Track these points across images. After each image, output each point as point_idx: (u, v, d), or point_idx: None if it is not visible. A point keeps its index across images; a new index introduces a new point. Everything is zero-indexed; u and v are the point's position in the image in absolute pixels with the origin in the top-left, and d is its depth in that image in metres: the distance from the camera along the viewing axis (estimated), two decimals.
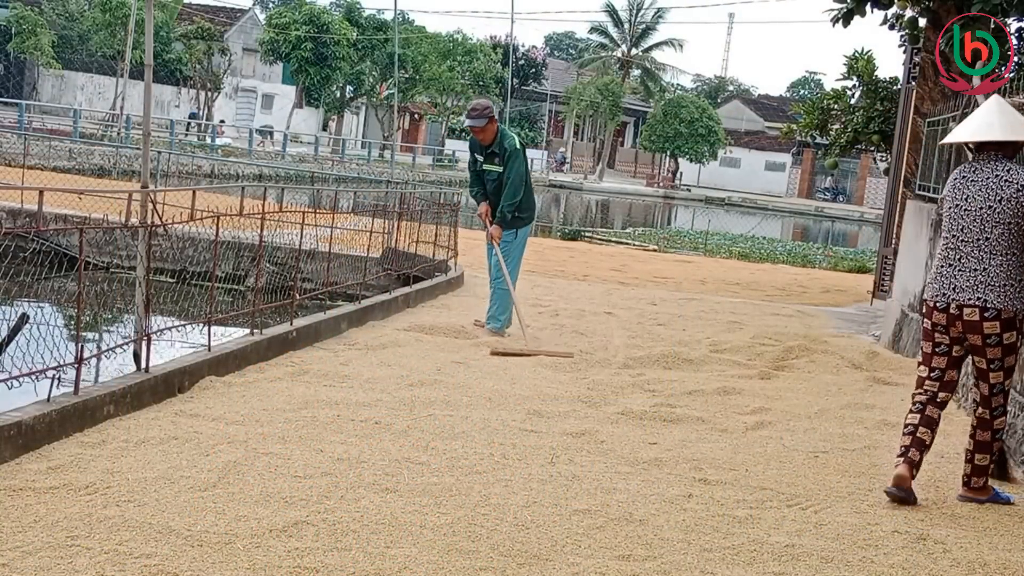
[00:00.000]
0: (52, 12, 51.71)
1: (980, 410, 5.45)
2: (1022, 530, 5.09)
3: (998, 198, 5.28)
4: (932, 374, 5.49)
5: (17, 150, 28.36)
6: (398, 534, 4.30)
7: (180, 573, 3.77)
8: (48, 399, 5.29)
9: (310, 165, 41.39)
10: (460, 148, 59.21)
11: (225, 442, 5.32)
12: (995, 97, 5.72)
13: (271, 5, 79.02)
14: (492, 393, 6.99)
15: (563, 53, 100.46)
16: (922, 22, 12.82)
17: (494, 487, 5.01)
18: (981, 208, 5.32)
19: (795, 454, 6.13)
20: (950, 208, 5.46)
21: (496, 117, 9.62)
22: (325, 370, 7.28)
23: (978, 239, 5.32)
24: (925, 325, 5.55)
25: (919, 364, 5.60)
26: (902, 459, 5.37)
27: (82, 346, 5.62)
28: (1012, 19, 12.15)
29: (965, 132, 5.57)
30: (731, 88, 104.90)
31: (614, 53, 74.01)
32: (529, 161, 10.74)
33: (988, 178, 5.33)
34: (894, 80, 15.58)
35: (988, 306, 5.27)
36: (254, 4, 73.51)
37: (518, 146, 9.51)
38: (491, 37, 65.68)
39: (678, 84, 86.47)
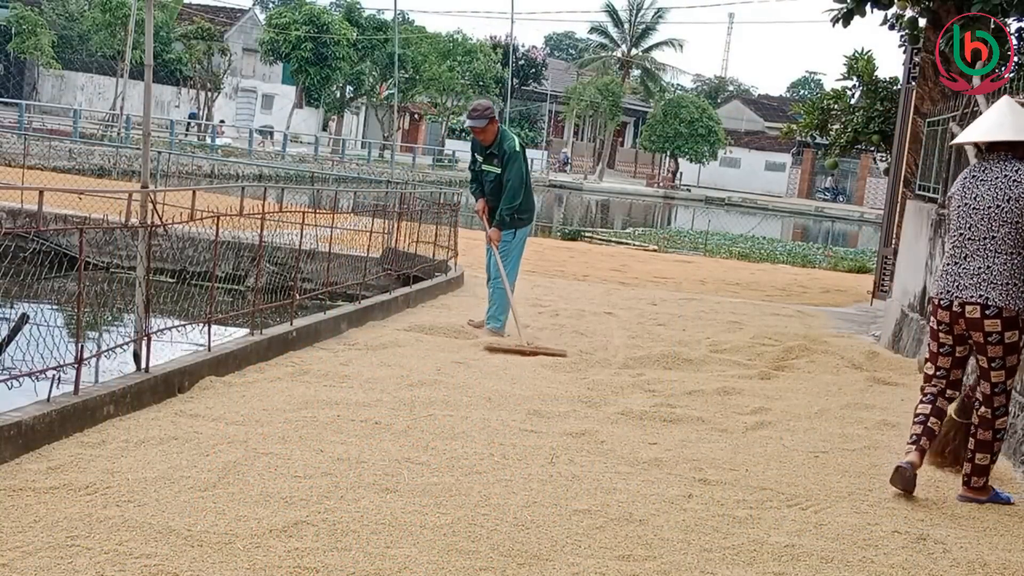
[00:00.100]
0: (52, 12, 51.71)
1: (982, 409, 5.47)
2: (1022, 530, 5.09)
3: (1006, 197, 5.32)
4: (938, 372, 5.63)
5: (17, 150, 28.36)
6: (398, 534, 4.30)
7: (180, 573, 3.77)
8: (48, 399, 5.29)
9: (310, 165, 41.39)
10: (460, 148, 59.24)
11: (225, 442, 5.33)
12: (1006, 98, 5.77)
13: (271, 5, 79.03)
14: (492, 393, 6.99)
15: (563, 53, 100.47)
16: (922, 22, 12.82)
17: (494, 487, 5.01)
18: (989, 207, 5.36)
19: (795, 454, 6.13)
20: (959, 206, 5.51)
21: (497, 118, 9.62)
22: (325, 370, 7.28)
23: (985, 237, 5.37)
24: (931, 324, 5.65)
25: (926, 360, 5.73)
26: (914, 446, 5.52)
27: (82, 346, 5.62)
28: (1012, 19, 12.15)
29: (976, 132, 5.61)
30: (731, 88, 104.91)
31: (614, 53, 74.04)
32: (529, 162, 10.74)
33: (997, 178, 5.38)
34: (894, 80, 15.58)
35: (990, 304, 5.31)
36: (254, 4, 73.54)
37: (517, 148, 9.50)
38: (491, 37, 65.69)
39: (678, 84, 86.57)
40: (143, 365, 6.19)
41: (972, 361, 5.72)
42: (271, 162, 41.64)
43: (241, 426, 5.67)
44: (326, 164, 44.00)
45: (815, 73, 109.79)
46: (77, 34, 52.07)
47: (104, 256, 12.10)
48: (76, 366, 5.56)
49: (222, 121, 52.65)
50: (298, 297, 8.63)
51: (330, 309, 9.22)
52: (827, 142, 17.08)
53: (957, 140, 5.98)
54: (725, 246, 26.52)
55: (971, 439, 5.52)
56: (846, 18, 12.87)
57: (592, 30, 75.82)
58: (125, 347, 6.32)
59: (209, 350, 6.91)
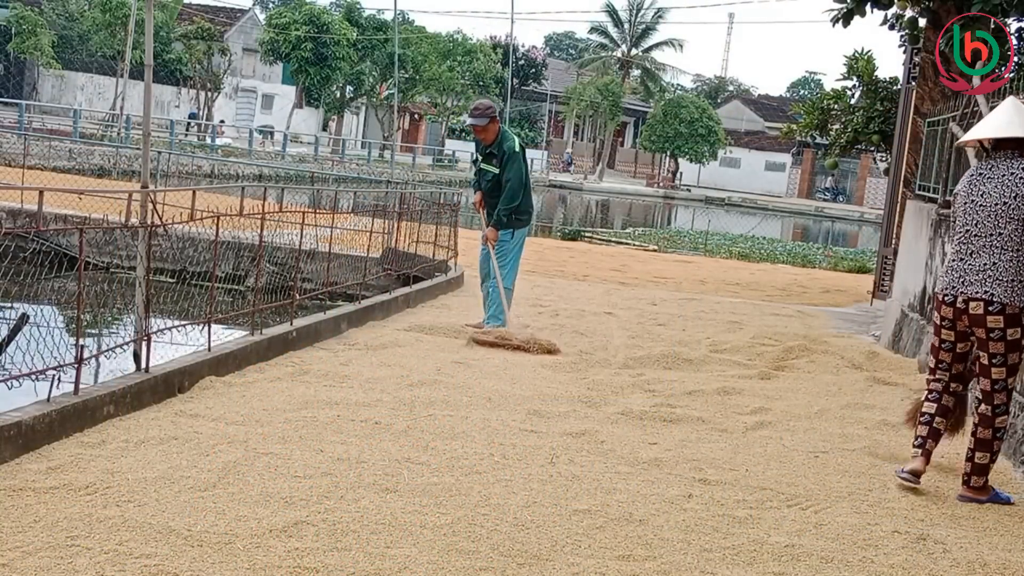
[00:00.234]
0: (52, 12, 51.71)
1: (982, 407, 5.49)
2: (1022, 530, 5.09)
3: (1013, 195, 5.37)
4: (940, 365, 5.72)
5: (17, 150, 28.36)
6: (398, 534, 4.30)
7: (180, 573, 3.77)
8: (48, 399, 5.29)
9: (310, 165, 41.38)
10: (460, 148, 59.25)
11: (225, 442, 5.33)
12: (1011, 98, 5.83)
13: (271, 5, 79.04)
14: (492, 393, 6.99)
15: (563, 53, 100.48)
16: (922, 22, 12.83)
17: (494, 487, 5.01)
18: (996, 204, 5.41)
19: (795, 454, 6.14)
20: (965, 203, 5.55)
21: (498, 118, 9.64)
22: (325, 370, 7.28)
23: (991, 234, 5.41)
24: (935, 319, 5.71)
25: (928, 354, 5.81)
26: (920, 451, 5.60)
27: (82, 346, 5.62)
28: (1012, 19, 12.16)
29: (983, 130, 5.65)
30: (731, 88, 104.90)
31: (614, 53, 74.05)
32: (529, 162, 10.74)
33: (1004, 175, 5.42)
34: (894, 80, 15.58)
35: (994, 300, 5.36)
36: (254, 4, 73.53)
37: (517, 149, 9.50)
38: (491, 37, 65.71)
39: (678, 84, 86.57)
40: (143, 365, 6.19)
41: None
42: (271, 162, 41.64)
43: (241, 426, 5.67)
44: (326, 164, 43.99)
45: (815, 73, 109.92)
46: (77, 34, 52.07)
47: (104, 256, 12.10)
48: (76, 366, 5.56)
49: (222, 121, 52.65)
50: (298, 297, 8.63)
51: (330, 309, 9.22)
52: (827, 142, 17.08)
53: (965, 138, 6.00)
54: (725, 246, 26.51)
55: (971, 437, 5.54)
56: (846, 18, 12.88)
57: (592, 30, 75.87)
58: (125, 347, 6.32)
59: (209, 350, 6.91)
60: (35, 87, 52.34)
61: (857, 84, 16.06)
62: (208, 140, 45.86)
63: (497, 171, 9.50)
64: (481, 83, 57.57)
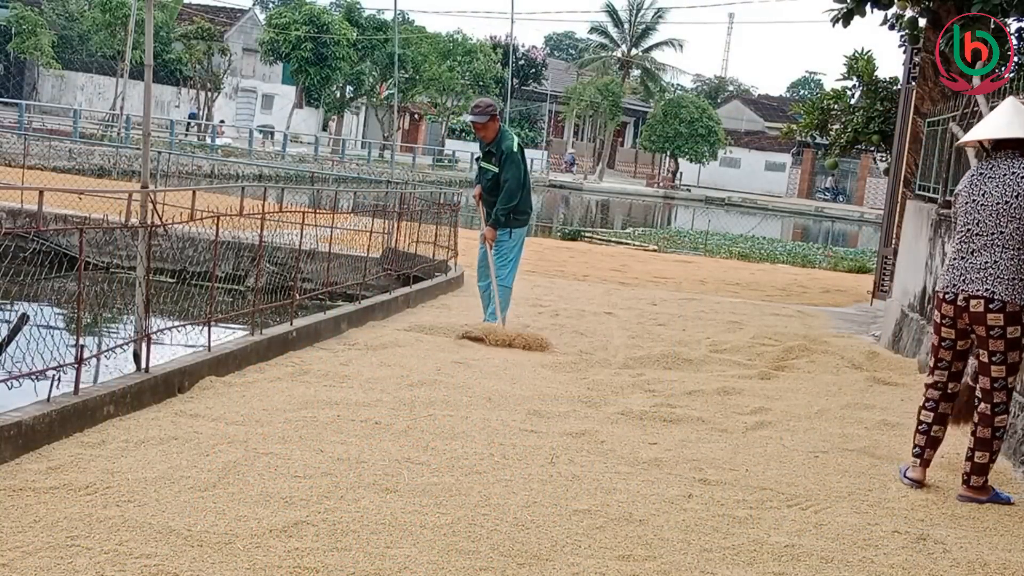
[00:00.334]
0: (52, 12, 51.71)
1: (982, 405, 5.51)
2: (1022, 530, 5.09)
3: (1014, 193, 5.40)
4: (939, 364, 5.74)
5: (17, 150, 28.36)
6: (398, 534, 4.30)
7: (180, 573, 3.77)
8: (48, 399, 5.29)
9: (310, 165, 41.38)
10: (460, 148, 59.28)
11: (225, 442, 5.33)
12: (1011, 99, 5.86)
13: (271, 5, 79.04)
14: (492, 393, 6.99)
15: (563, 53, 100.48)
16: (922, 22, 12.83)
17: (494, 487, 5.01)
18: (997, 203, 5.44)
19: (795, 454, 6.14)
20: (966, 203, 5.58)
21: (498, 116, 9.65)
22: (325, 370, 7.28)
23: (992, 233, 5.45)
24: (935, 317, 5.74)
25: (928, 354, 5.79)
26: (918, 460, 5.69)
27: (82, 346, 5.62)
28: (1012, 19, 12.16)
29: (983, 131, 5.69)
30: (731, 88, 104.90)
31: (614, 53, 74.03)
32: (529, 162, 10.75)
33: (1005, 175, 5.46)
34: (894, 80, 15.58)
35: (994, 298, 5.39)
36: (254, 4, 73.55)
37: (515, 149, 9.51)
38: (491, 37, 65.70)
39: (678, 84, 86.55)
40: (143, 365, 6.19)
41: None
42: (271, 162, 41.64)
43: (241, 426, 5.67)
44: (326, 164, 43.99)
45: (815, 73, 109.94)
46: (77, 34, 52.07)
47: (104, 256, 12.10)
48: (76, 366, 5.56)
49: (222, 121, 52.64)
50: (298, 297, 8.63)
51: (330, 309, 9.22)
52: (827, 142, 17.08)
53: (965, 138, 6.03)
54: (725, 246, 26.50)
55: (971, 436, 5.55)
56: (846, 18, 12.87)
57: (592, 30, 75.85)
58: (125, 347, 6.32)
59: (209, 350, 6.91)
60: (35, 87, 52.35)
61: (857, 84, 16.06)
62: (208, 140, 45.86)
63: (496, 170, 9.51)
64: (481, 83, 57.56)
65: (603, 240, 26.45)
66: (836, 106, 16.49)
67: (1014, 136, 5.46)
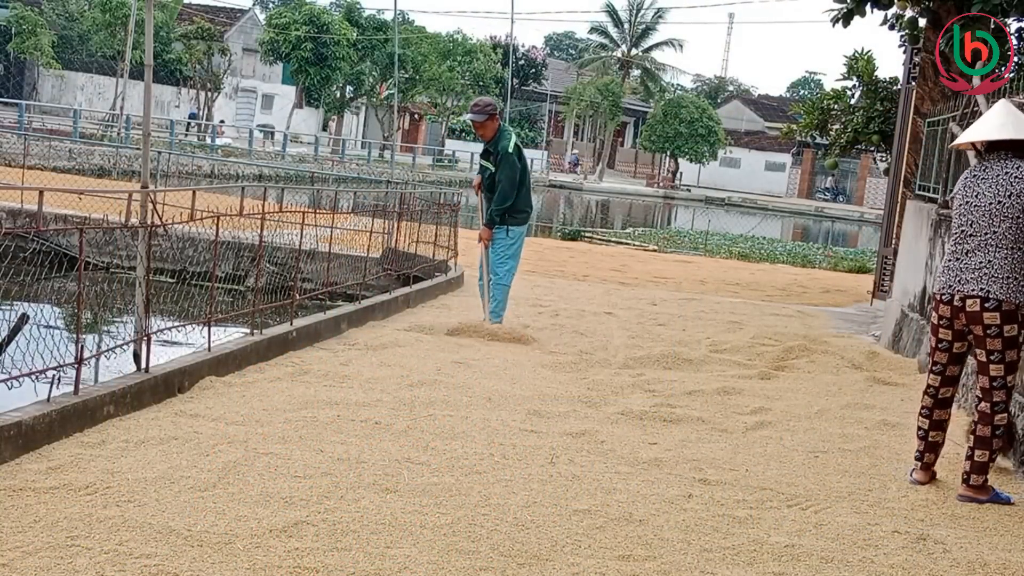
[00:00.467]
0: (52, 12, 51.72)
1: (981, 404, 5.53)
2: (1022, 530, 5.09)
3: (1008, 193, 5.44)
4: (935, 368, 5.75)
5: (17, 150, 28.36)
6: (398, 534, 4.30)
7: (180, 573, 3.77)
8: (48, 399, 5.29)
9: (310, 165, 41.38)
10: (460, 148, 59.26)
11: (225, 442, 5.33)
12: (1003, 101, 5.93)
13: (271, 5, 79.04)
14: (492, 393, 6.99)
15: (563, 53, 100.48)
16: (922, 22, 12.82)
17: (494, 487, 5.01)
18: (991, 203, 5.48)
19: (795, 454, 6.14)
20: (960, 204, 5.64)
21: (497, 116, 9.67)
22: (325, 370, 7.28)
23: (986, 233, 5.48)
24: (932, 319, 5.76)
25: (927, 354, 5.83)
26: (919, 463, 5.74)
27: (82, 346, 5.62)
28: (1012, 19, 12.16)
29: (977, 133, 5.74)
30: (731, 88, 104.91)
31: (614, 53, 74.04)
32: (529, 162, 10.76)
33: (998, 175, 5.50)
34: (894, 80, 15.58)
35: (990, 297, 5.42)
36: (254, 4, 73.57)
37: (510, 150, 9.52)
38: (491, 37, 65.69)
39: (678, 84, 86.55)
40: (143, 365, 6.19)
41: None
42: (271, 162, 41.64)
43: (241, 426, 5.67)
44: (326, 164, 43.99)
45: (815, 73, 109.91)
46: (77, 34, 52.08)
47: (104, 256, 12.10)
48: (76, 366, 5.56)
49: (222, 121, 52.65)
50: (298, 297, 8.63)
51: (330, 309, 9.22)
52: (827, 142, 17.07)
53: (958, 141, 6.07)
54: (725, 246, 26.49)
55: (971, 436, 5.56)
56: (846, 18, 12.87)
57: (592, 30, 75.86)
58: (125, 347, 6.32)
59: (209, 350, 6.91)
60: (35, 87, 52.35)
61: (857, 84, 16.05)
62: (208, 140, 45.86)
63: (494, 169, 9.55)
64: (481, 83, 57.56)
65: (603, 240, 26.45)
66: (836, 106, 16.48)
67: (1007, 138, 5.51)
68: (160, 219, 6.62)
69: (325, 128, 60.83)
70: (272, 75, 61.94)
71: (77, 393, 5.47)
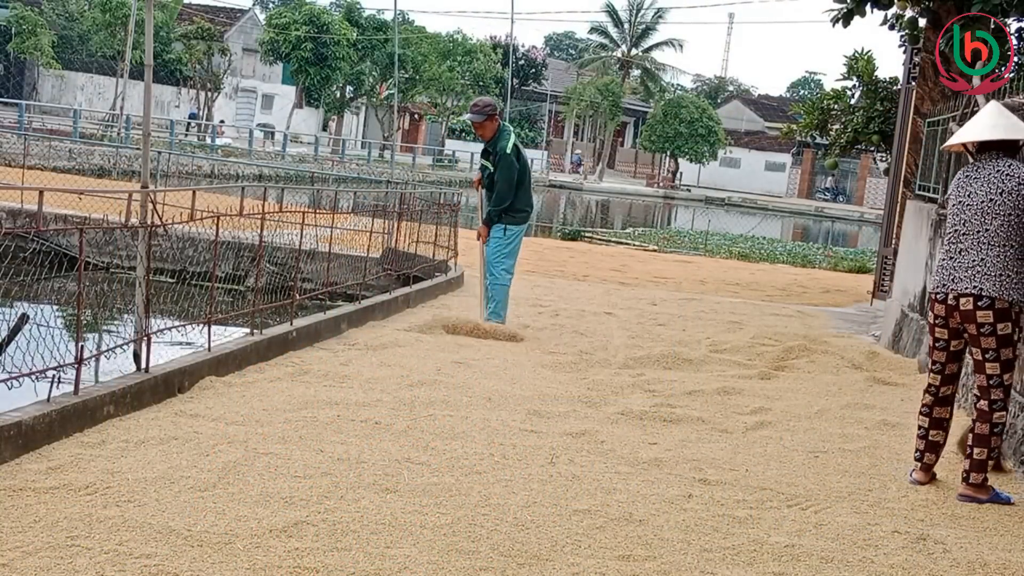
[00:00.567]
0: (52, 12, 51.72)
1: (980, 402, 5.56)
2: (1022, 530, 5.09)
3: (999, 191, 5.49)
4: (934, 367, 5.78)
5: (17, 150, 28.36)
6: (398, 534, 4.30)
7: (180, 573, 3.77)
8: (48, 399, 5.29)
9: (310, 165, 41.38)
10: (460, 148, 59.26)
11: (225, 442, 5.33)
12: (993, 102, 6.01)
13: (271, 5, 79.04)
14: (492, 393, 6.99)
15: (563, 53, 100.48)
16: (922, 22, 12.83)
17: (494, 487, 5.01)
18: (983, 202, 5.53)
19: (795, 454, 6.14)
20: (954, 204, 5.71)
21: (497, 116, 9.69)
22: (325, 370, 7.28)
23: (979, 231, 5.53)
24: (928, 319, 5.80)
25: (927, 354, 5.87)
26: (919, 463, 5.76)
27: (82, 346, 5.62)
28: (1012, 19, 12.16)
29: (968, 134, 5.80)
30: (731, 88, 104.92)
31: (614, 53, 74.05)
32: (529, 162, 10.77)
33: (990, 174, 5.57)
34: (894, 80, 15.58)
35: (983, 295, 5.45)
36: (254, 4, 73.58)
37: (508, 150, 9.54)
38: (491, 37, 65.70)
39: (678, 84, 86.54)
40: (143, 365, 6.19)
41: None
42: (271, 162, 41.64)
43: (241, 426, 5.67)
44: (326, 164, 43.99)
45: (815, 73, 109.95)
46: (77, 34, 52.08)
47: (104, 256, 12.10)
48: (76, 366, 5.56)
49: (222, 121, 52.65)
50: (298, 297, 8.63)
51: (330, 309, 9.22)
52: (827, 142, 17.07)
53: (948, 143, 6.15)
54: (725, 246, 26.49)
55: (970, 434, 5.58)
56: (846, 18, 12.87)
57: (592, 30, 75.87)
58: (125, 347, 6.32)
59: (209, 350, 6.91)
60: (35, 87, 52.35)
61: (857, 84, 16.05)
62: (208, 140, 45.86)
63: (493, 168, 9.58)
64: (481, 83, 57.56)
65: (603, 240, 26.45)
66: (836, 106, 16.48)
67: (997, 138, 5.58)
68: (160, 219, 6.62)
69: (325, 128, 60.83)
70: (272, 75, 61.94)
71: (77, 393, 5.47)
